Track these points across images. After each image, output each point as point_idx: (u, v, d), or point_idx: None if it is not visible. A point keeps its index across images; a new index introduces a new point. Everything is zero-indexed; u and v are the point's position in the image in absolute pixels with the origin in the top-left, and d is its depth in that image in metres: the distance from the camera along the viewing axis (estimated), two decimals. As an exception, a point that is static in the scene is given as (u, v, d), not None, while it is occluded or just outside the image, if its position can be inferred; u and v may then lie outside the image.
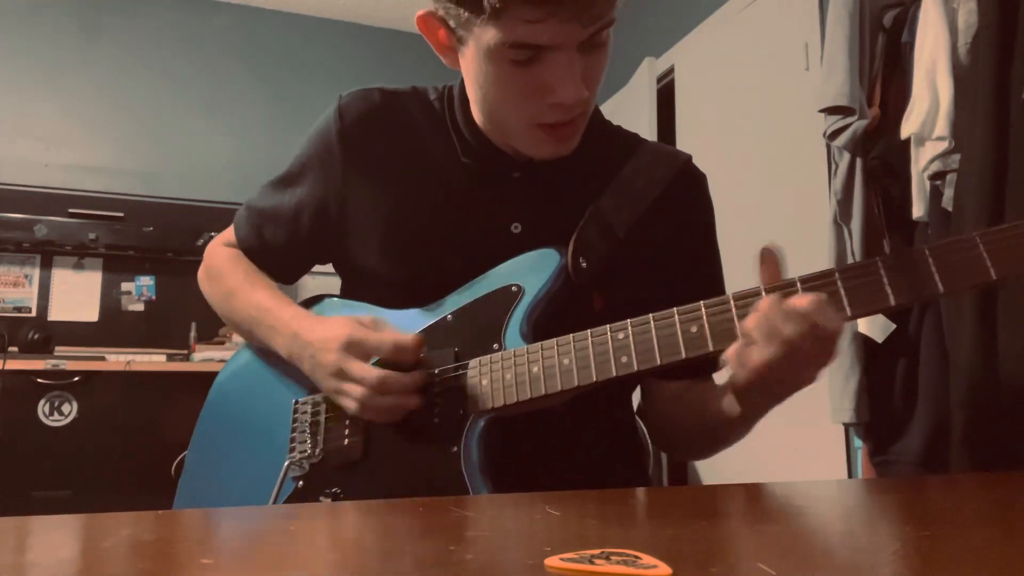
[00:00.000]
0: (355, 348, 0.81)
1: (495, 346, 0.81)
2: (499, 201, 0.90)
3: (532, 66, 0.76)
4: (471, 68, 0.81)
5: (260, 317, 0.92)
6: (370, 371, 0.80)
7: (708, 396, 0.84)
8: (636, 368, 0.72)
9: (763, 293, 0.69)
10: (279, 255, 0.99)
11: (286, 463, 0.87)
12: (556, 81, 0.76)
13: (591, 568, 0.38)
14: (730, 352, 0.69)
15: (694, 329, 0.70)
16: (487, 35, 0.74)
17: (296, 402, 0.90)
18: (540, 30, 0.72)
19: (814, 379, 0.70)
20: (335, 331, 0.82)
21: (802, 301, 0.66)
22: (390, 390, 0.80)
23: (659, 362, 0.72)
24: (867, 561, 0.43)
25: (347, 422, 0.85)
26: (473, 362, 0.81)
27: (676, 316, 0.71)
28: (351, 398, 0.81)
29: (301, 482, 0.86)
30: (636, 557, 0.40)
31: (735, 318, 0.69)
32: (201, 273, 1.04)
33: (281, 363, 0.91)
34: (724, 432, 0.85)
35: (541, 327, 0.82)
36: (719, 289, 0.94)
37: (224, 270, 1.00)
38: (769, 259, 0.71)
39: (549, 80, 0.76)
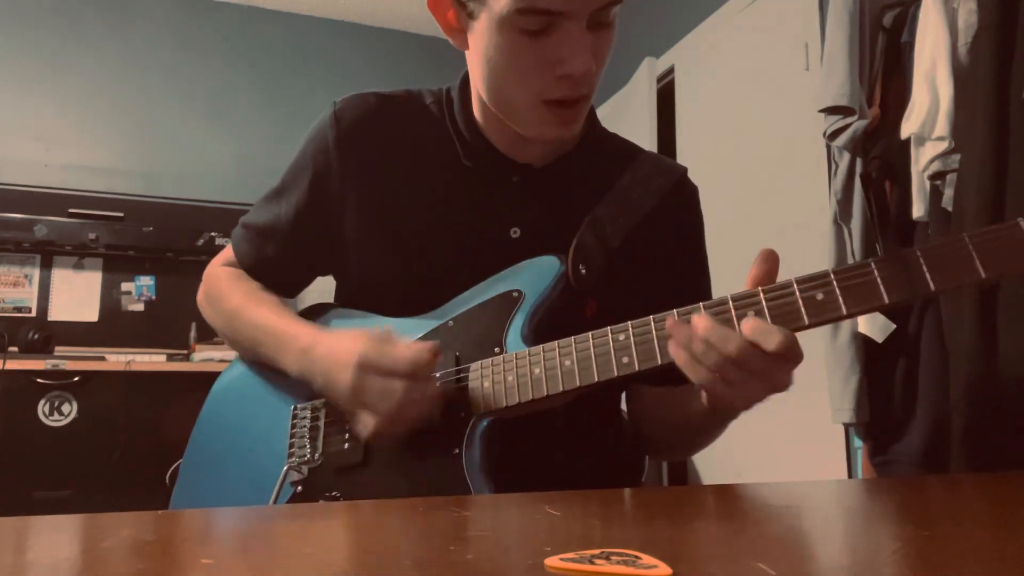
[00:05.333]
0: (370, 367, 0.78)
1: (496, 350, 0.81)
2: (498, 205, 0.90)
3: (543, 37, 0.76)
4: (480, 43, 0.80)
5: (264, 336, 0.91)
6: (390, 394, 0.77)
7: (689, 398, 0.84)
8: (637, 368, 0.73)
9: (761, 295, 0.69)
10: (280, 269, 0.99)
11: (285, 467, 0.86)
12: (567, 51, 0.77)
13: (591, 568, 0.38)
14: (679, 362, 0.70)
15: None
16: (500, 3, 0.75)
17: (295, 408, 0.90)
18: None
19: (762, 399, 0.70)
20: (348, 348, 0.79)
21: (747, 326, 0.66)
22: (409, 414, 0.78)
23: (660, 362, 0.72)
24: (867, 561, 0.43)
25: (347, 426, 0.85)
26: (475, 365, 0.81)
27: (676, 317, 0.72)
28: (371, 419, 0.78)
29: (300, 487, 0.86)
30: (636, 557, 0.40)
31: (734, 319, 0.69)
32: (200, 296, 1.03)
33: (277, 372, 0.90)
34: (703, 430, 0.88)
35: (542, 332, 0.81)
36: (707, 298, 0.95)
37: (224, 291, 0.98)
38: (771, 259, 0.71)
39: (560, 51, 0.77)
